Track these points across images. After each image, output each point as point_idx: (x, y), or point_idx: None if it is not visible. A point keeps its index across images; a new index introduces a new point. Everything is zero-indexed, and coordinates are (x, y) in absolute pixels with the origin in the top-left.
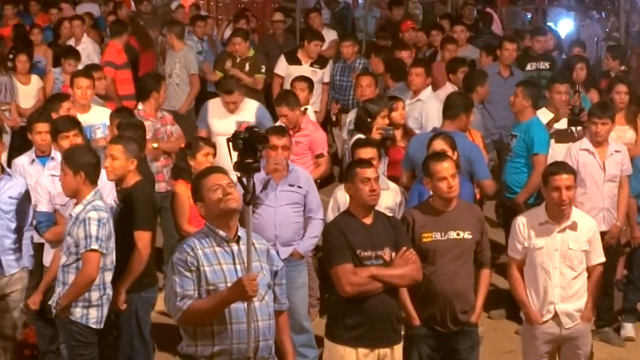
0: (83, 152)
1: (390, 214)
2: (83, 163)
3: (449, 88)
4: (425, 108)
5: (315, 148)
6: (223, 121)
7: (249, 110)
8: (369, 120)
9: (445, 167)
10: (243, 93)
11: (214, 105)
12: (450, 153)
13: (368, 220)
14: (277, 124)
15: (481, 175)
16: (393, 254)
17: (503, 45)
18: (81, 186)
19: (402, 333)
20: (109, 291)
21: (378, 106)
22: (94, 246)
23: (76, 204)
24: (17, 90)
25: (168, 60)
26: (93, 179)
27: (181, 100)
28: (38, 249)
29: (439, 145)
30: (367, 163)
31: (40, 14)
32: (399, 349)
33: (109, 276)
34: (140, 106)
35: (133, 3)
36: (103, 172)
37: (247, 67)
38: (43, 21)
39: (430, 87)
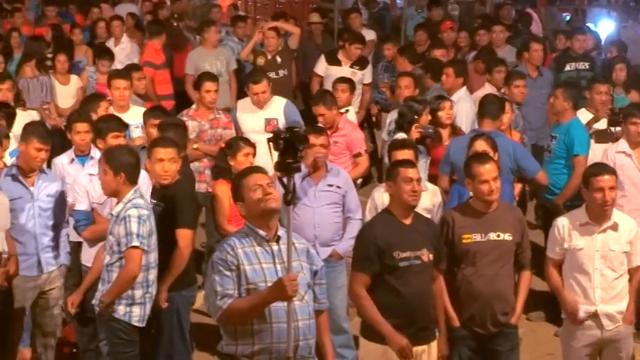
0: (124, 152)
1: (428, 216)
2: (124, 164)
3: (487, 88)
4: (456, 109)
5: (353, 148)
6: (252, 118)
7: (277, 107)
8: (415, 117)
9: (487, 170)
10: (271, 86)
11: (243, 103)
12: (491, 154)
13: (407, 221)
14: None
15: (532, 170)
16: (431, 256)
17: (531, 46)
18: (121, 186)
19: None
20: (152, 289)
21: (421, 104)
22: (135, 243)
23: (117, 203)
24: (56, 90)
25: (207, 60)
26: (133, 179)
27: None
28: (76, 248)
29: (481, 146)
30: (410, 163)
31: (78, 14)
32: (434, 345)
33: (152, 274)
34: (194, 105)
35: (168, 3)
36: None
37: (279, 60)
38: (81, 21)
39: (464, 88)
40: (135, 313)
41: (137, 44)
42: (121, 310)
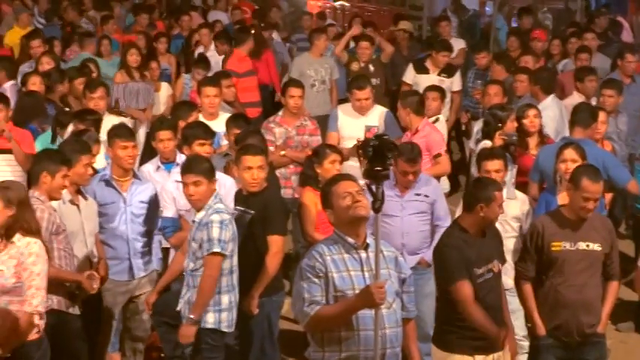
0: (204, 159)
1: (517, 224)
2: (213, 172)
3: (576, 97)
4: (543, 115)
5: (433, 149)
6: (352, 123)
7: (378, 115)
8: (499, 125)
9: (598, 189)
10: (374, 94)
11: (344, 108)
12: (579, 163)
13: (480, 235)
14: None
15: (623, 179)
16: (500, 266)
17: (625, 56)
18: (210, 193)
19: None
20: (237, 293)
21: (506, 112)
22: (216, 249)
23: (199, 211)
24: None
25: (312, 67)
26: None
27: (322, 106)
28: (166, 254)
29: (570, 154)
30: (499, 185)
31: (160, 22)
32: (507, 349)
33: (236, 278)
34: (280, 112)
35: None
36: (226, 178)
37: (372, 69)
38: (163, 29)
39: (552, 96)
40: (224, 319)
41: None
42: (210, 318)
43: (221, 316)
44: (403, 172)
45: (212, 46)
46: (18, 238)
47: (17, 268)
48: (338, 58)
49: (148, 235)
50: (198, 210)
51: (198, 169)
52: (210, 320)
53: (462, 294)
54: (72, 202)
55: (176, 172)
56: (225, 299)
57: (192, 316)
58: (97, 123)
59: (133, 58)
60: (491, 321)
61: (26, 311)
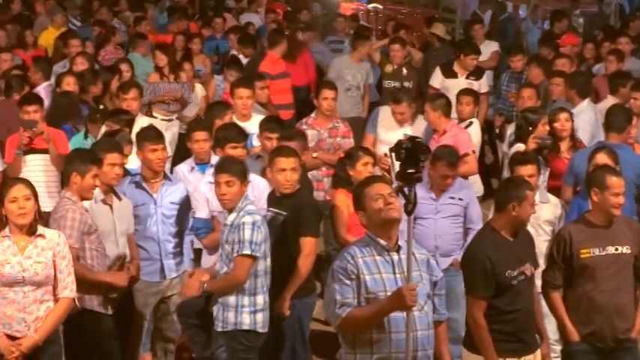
0: (238, 161)
1: (550, 228)
2: (246, 173)
3: (610, 101)
4: (577, 121)
5: (461, 148)
6: (391, 132)
7: (419, 126)
8: (529, 129)
9: (621, 183)
10: (414, 106)
11: (386, 113)
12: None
13: (512, 237)
14: None
15: None
16: (532, 269)
17: None
18: (241, 195)
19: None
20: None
21: (537, 115)
22: (247, 251)
23: (230, 213)
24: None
25: (351, 71)
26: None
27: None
28: (198, 254)
29: (602, 158)
30: (530, 184)
31: (192, 23)
32: (539, 353)
33: (269, 278)
34: (313, 114)
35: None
36: (260, 180)
37: (404, 72)
38: (196, 30)
39: (586, 100)
40: (259, 320)
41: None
42: (245, 319)
43: (256, 317)
44: (443, 176)
45: None
46: (43, 230)
47: (53, 258)
48: (370, 58)
49: (179, 235)
50: (229, 211)
51: (232, 169)
52: (246, 321)
53: (475, 312)
54: (104, 201)
55: (210, 173)
56: (260, 300)
57: (206, 285)
58: (130, 123)
59: (160, 58)
60: (492, 350)
61: (68, 297)
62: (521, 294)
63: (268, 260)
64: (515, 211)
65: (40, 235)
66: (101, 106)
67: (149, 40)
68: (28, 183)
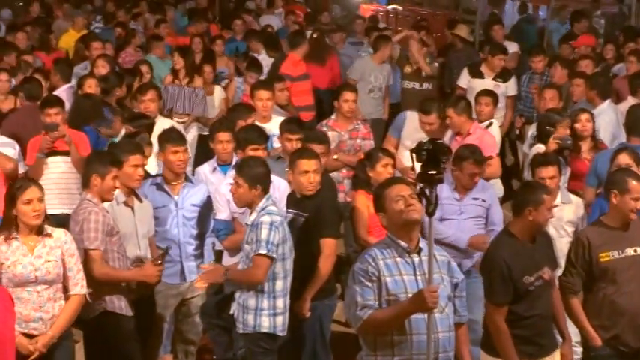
0: (258, 165)
1: (572, 229)
2: (259, 177)
3: (630, 101)
4: (598, 120)
5: (485, 151)
6: (418, 138)
7: (448, 136)
8: (551, 129)
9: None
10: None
11: (412, 120)
12: (634, 168)
13: (530, 241)
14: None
15: None
16: (551, 272)
17: None
18: (256, 198)
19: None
20: (288, 297)
21: (559, 116)
22: (262, 250)
23: (251, 213)
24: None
25: (373, 73)
26: (266, 190)
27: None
28: (219, 256)
29: (624, 159)
30: (548, 188)
31: (213, 25)
32: (557, 353)
33: (289, 281)
34: (333, 116)
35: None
36: (280, 181)
37: (424, 72)
38: (216, 32)
39: (607, 101)
40: (278, 323)
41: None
42: (265, 322)
43: (276, 320)
44: (471, 174)
45: (262, 50)
46: (50, 229)
47: (62, 256)
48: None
49: (200, 238)
50: (251, 212)
51: (242, 171)
52: (265, 324)
53: (496, 317)
54: (126, 203)
55: (231, 175)
56: (279, 303)
57: (228, 272)
58: (150, 128)
59: (178, 61)
60: (515, 355)
61: (79, 293)
62: (539, 298)
63: (287, 262)
64: (532, 216)
65: (48, 235)
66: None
67: (167, 43)
68: (39, 184)
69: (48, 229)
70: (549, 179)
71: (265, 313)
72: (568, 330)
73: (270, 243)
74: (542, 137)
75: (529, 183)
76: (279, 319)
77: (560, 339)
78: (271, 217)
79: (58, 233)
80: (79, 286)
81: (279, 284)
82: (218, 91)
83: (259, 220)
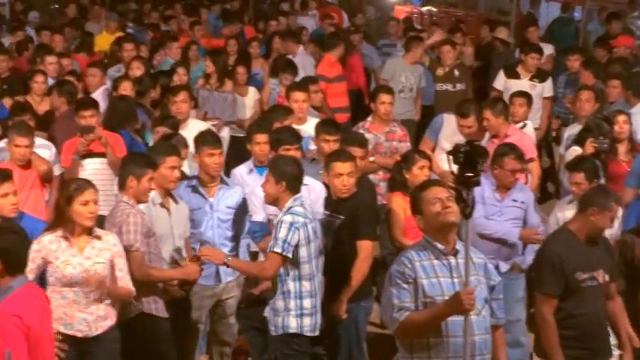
0: (288, 162)
1: (607, 231)
2: (286, 173)
3: None
4: (633, 121)
5: (525, 153)
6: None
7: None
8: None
9: None
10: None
11: (450, 122)
12: None
13: (590, 242)
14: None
15: None
16: (607, 277)
17: None
18: (281, 194)
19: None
20: (320, 297)
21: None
22: (277, 249)
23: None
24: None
25: (404, 73)
26: (293, 189)
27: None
28: (254, 257)
29: None
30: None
31: (248, 27)
32: None
33: (318, 282)
34: (369, 118)
35: (345, 17)
36: (316, 183)
37: (456, 74)
38: (251, 34)
39: None
40: (306, 324)
41: (313, 57)
42: (292, 323)
43: (303, 320)
44: (512, 170)
45: (299, 51)
46: (100, 231)
47: (111, 258)
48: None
49: (235, 239)
50: (280, 210)
51: (270, 165)
52: (292, 325)
53: (544, 309)
54: (162, 205)
55: None
56: (307, 304)
57: (229, 259)
58: (175, 128)
59: (208, 65)
60: (558, 348)
61: (130, 287)
62: (590, 298)
63: (314, 263)
64: (594, 217)
65: (97, 237)
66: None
67: (202, 45)
68: (95, 186)
69: (97, 231)
70: (576, 184)
71: (292, 314)
72: (629, 340)
73: (286, 242)
74: (583, 139)
75: (603, 187)
76: (307, 320)
77: (617, 349)
78: (293, 217)
79: (106, 236)
80: (130, 285)
81: (305, 285)
82: (252, 92)
83: (281, 219)
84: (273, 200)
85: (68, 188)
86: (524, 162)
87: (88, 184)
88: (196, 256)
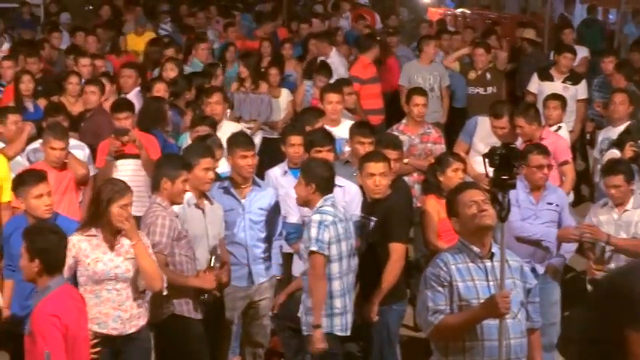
0: (318, 165)
1: None
2: (316, 175)
3: None
4: None
5: (559, 156)
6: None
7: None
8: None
9: None
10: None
11: (484, 125)
12: None
13: None
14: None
15: None
16: None
17: None
18: (311, 196)
19: None
20: (351, 297)
21: None
22: (313, 247)
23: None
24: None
25: (421, 74)
26: (324, 190)
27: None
28: (287, 259)
29: None
30: None
31: (281, 29)
32: None
33: (349, 281)
34: (404, 120)
35: (378, 18)
36: (351, 185)
37: (488, 77)
38: (284, 35)
39: None
40: (336, 323)
41: (345, 59)
42: (323, 322)
43: (334, 320)
44: (538, 165)
45: (332, 53)
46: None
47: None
48: (447, 68)
49: (267, 241)
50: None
51: (302, 167)
52: (323, 324)
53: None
54: (197, 205)
55: None
56: (337, 303)
57: (311, 321)
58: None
59: (242, 70)
60: None
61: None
62: None
63: (345, 262)
64: None
65: (125, 235)
66: None
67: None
68: (131, 189)
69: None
70: (614, 188)
71: (323, 314)
72: None
73: (319, 241)
74: (623, 142)
75: None
76: (338, 320)
77: None
78: (322, 216)
79: (127, 241)
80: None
81: (336, 284)
82: (285, 93)
83: (310, 219)
84: (304, 202)
85: (109, 189)
86: (549, 156)
87: (128, 187)
88: (211, 266)
